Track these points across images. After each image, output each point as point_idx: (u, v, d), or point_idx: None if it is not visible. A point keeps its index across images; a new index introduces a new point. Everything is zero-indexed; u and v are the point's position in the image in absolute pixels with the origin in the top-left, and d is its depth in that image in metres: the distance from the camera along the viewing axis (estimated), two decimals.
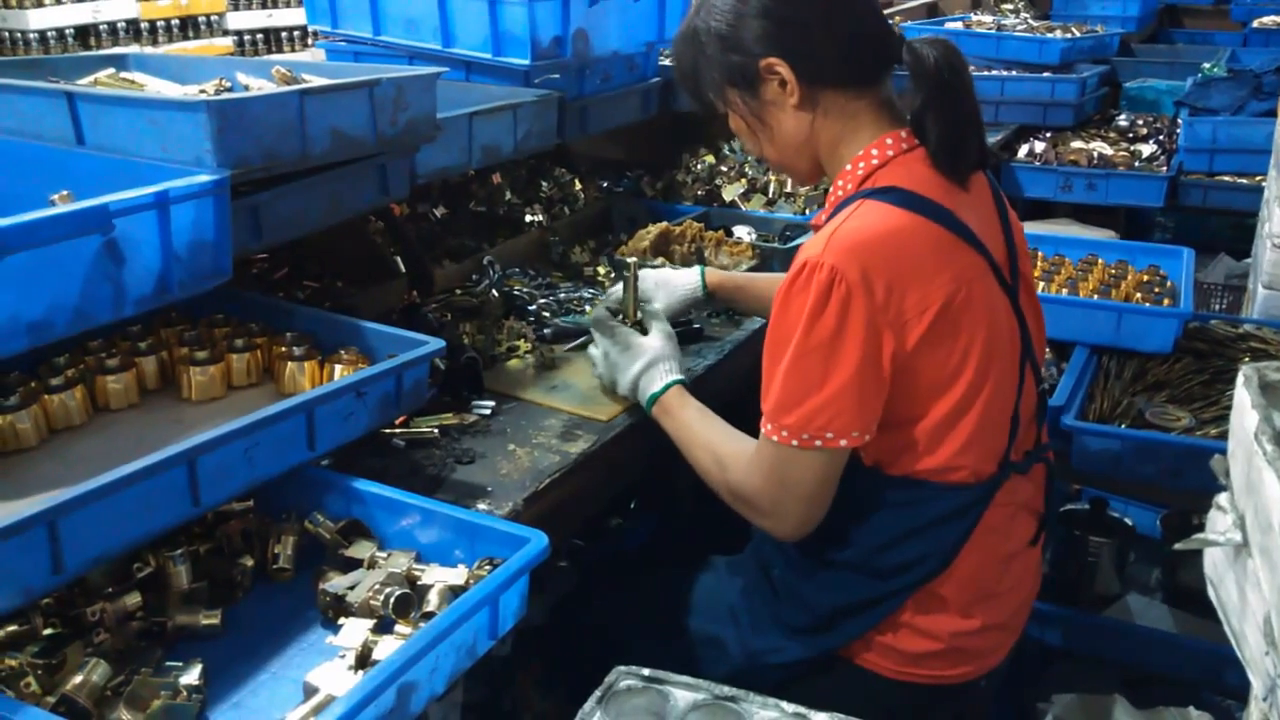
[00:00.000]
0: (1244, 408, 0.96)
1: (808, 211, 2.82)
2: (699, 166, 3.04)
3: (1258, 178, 3.76)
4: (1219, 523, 1.00)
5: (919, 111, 1.47)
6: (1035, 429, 1.62)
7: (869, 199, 1.43)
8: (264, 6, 8.28)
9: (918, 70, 1.45)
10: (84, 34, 7.05)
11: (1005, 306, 1.50)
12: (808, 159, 1.56)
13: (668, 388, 1.68)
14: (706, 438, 1.61)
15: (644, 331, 1.77)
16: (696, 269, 1.99)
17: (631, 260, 1.85)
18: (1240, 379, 0.99)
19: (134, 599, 1.24)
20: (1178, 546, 1.01)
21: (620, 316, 1.82)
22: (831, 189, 1.54)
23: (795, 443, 1.41)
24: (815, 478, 1.44)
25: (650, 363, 1.71)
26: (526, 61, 2.32)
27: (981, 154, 1.52)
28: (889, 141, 1.49)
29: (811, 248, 1.40)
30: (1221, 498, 1.03)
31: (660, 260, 2.30)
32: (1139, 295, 2.47)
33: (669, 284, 1.96)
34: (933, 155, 1.47)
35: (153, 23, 7.48)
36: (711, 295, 1.98)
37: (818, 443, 1.40)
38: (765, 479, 1.47)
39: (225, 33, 7.99)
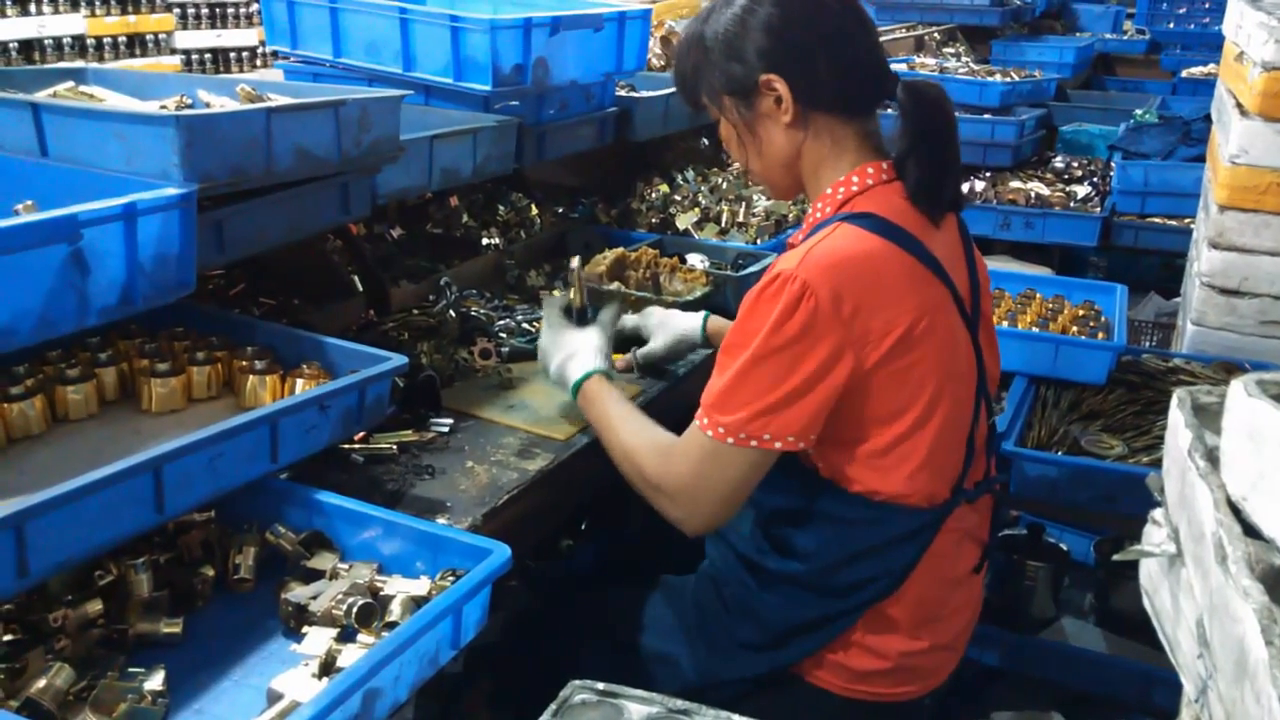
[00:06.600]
0: (1178, 427, 1.02)
1: (759, 241, 2.88)
2: (653, 195, 3.09)
3: (1187, 220, 3.87)
4: (1154, 536, 1.06)
5: (903, 152, 1.52)
6: (986, 460, 1.67)
7: (846, 222, 1.47)
8: (213, 26, 8.23)
9: (909, 111, 1.51)
10: (28, 48, 6.95)
11: (965, 339, 1.55)
12: (790, 176, 1.60)
13: (588, 375, 1.70)
14: (625, 425, 1.62)
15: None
16: (700, 315, 2.06)
17: (575, 259, 1.90)
18: (1174, 401, 1.05)
19: (95, 606, 1.24)
20: (1117, 558, 1.07)
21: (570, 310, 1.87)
22: (810, 210, 1.59)
23: (731, 440, 1.44)
24: (739, 475, 1.46)
25: (575, 351, 1.74)
26: (487, 87, 2.35)
27: (956, 196, 1.59)
28: (870, 170, 1.54)
29: (786, 261, 1.44)
30: (1156, 513, 1.09)
31: (615, 287, 2.33)
32: (1075, 329, 2.56)
33: (667, 324, 2.05)
34: (911, 195, 1.51)
35: (99, 39, 7.39)
36: (709, 338, 2.04)
37: (753, 442, 1.43)
38: (688, 469, 1.49)
39: (173, 51, 7.92)
